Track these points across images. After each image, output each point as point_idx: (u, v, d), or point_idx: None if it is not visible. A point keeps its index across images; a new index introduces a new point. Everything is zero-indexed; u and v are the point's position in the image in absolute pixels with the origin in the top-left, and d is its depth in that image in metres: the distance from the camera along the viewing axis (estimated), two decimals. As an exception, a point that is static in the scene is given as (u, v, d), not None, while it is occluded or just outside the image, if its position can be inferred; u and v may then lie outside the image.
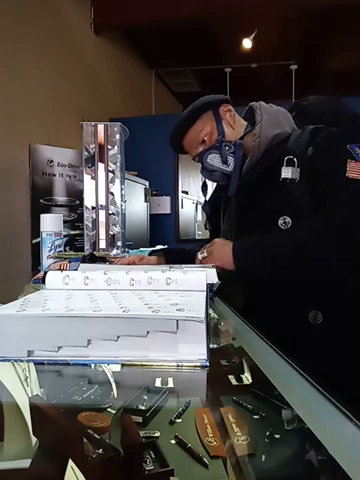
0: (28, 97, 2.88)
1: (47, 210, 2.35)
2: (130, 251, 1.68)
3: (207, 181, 1.23)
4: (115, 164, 1.56)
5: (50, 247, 1.32)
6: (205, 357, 0.43)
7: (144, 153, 4.01)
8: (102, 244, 1.56)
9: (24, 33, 2.85)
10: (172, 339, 0.42)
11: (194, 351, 0.42)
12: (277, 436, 0.46)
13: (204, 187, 1.25)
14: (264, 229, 0.99)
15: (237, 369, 0.60)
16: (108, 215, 1.56)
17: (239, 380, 0.58)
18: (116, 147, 1.56)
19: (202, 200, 1.31)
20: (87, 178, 1.56)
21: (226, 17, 4.04)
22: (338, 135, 0.99)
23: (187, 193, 4.58)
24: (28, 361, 0.42)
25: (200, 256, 1.02)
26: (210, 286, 0.71)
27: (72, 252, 1.88)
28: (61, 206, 2.46)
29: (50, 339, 0.42)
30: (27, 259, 2.26)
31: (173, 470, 0.39)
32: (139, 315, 0.42)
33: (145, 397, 0.55)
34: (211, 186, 1.29)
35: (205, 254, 1.01)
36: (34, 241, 2.18)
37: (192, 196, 4.68)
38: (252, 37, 4.48)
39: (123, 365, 0.44)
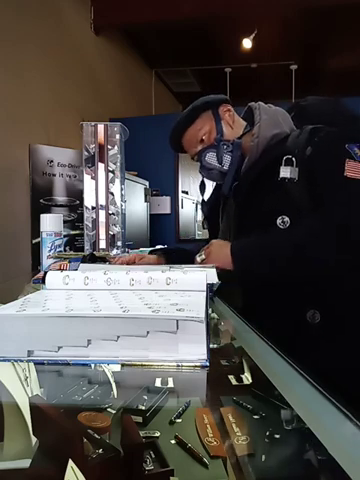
0: (28, 97, 2.88)
1: (47, 210, 2.35)
2: (130, 251, 1.68)
3: (205, 180, 1.23)
4: (115, 164, 1.56)
5: (50, 247, 1.32)
6: (205, 357, 0.43)
7: (144, 153, 4.02)
8: (102, 244, 1.56)
9: (24, 33, 2.85)
10: (172, 339, 0.42)
11: (194, 351, 0.42)
12: (277, 436, 0.46)
13: (202, 186, 1.26)
14: (262, 228, 0.99)
15: (237, 369, 0.60)
16: (108, 215, 1.56)
17: (239, 380, 0.58)
18: (116, 147, 1.56)
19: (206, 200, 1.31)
20: (87, 178, 1.56)
21: (226, 17, 4.04)
22: (337, 135, 0.99)
23: (187, 193, 4.58)
24: (28, 361, 0.42)
25: (199, 259, 1.02)
26: (210, 286, 0.71)
27: (72, 252, 1.88)
28: (61, 206, 2.46)
29: (50, 339, 0.42)
30: (27, 259, 2.26)
31: (173, 470, 0.39)
32: (139, 315, 0.42)
33: (145, 397, 0.55)
34: (210, 186, 1.29)
35: (203, 256, 1.02)
36: (34, 241, 2.18)
37: (192, 196, 4.68)
38: (252, 37, 4.48)
39: (123, 365, 0.44)
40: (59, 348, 0.42)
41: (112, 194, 1.57)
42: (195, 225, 4.85)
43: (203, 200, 1.29)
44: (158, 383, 0.56)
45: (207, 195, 1.30)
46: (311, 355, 0.75)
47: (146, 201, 3.91)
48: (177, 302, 0.49)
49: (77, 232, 2.41)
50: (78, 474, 0.28)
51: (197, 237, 4.68)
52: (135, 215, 3.55)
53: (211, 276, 0.77)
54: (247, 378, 0.58)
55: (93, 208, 1.56)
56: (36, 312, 0.44)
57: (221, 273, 0.83)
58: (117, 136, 1.56)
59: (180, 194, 4.38)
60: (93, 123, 1.56)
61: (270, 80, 5.34)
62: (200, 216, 4.79)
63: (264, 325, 0.66)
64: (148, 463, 0.40)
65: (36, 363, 0.43)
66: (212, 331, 0.72)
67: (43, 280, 0.66)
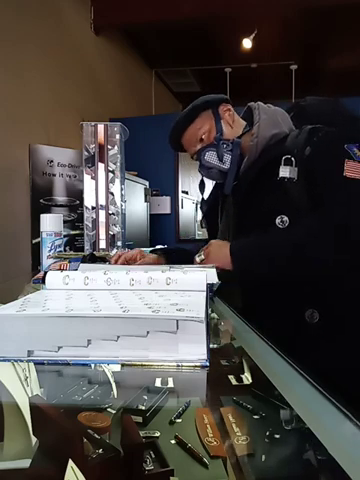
0: (28, 97, 2.88)
1: (47, 210, 2.35)
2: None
3: (205, 179, 1.23)
4: (115, 164, 1.56)
5: (50, 247, 1.32)
6: (205, 357, 0.43)
7: (144, 153, 4.02)
8: (102, 244, 1.56)
9: (24, 33, 2.85)
10: (172, 339, 0.42)
11: (194, 351, 0.42)
12: (277, 436, 0.46)
13: (201, 185, 1.26)
14: (262, 228, 0.99)
15: (237, 369, 0.60)
16: (108, 215, 1.56)
17: (239, 380, 0.58)
18: (116, 147, 1.56)
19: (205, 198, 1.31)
20: (87, 178, 1.56)
21: (226, 17, 4.04)
22: (336, 135, 0.99)
23: (187, 193, 4.58)
24: (28, 361, 0.42)
25: (198, 259, 1.02)
26: (210, 286, 0.71)
27: (72, 252, 1.88)
28: (61, 206, 2.46)
29: (50, 339, 0.42)
30: (27, 259, 2.26)
31: (173, 470, 0.39)
32: (139, 315, 0.42)
33: (145, 397, 0.55)
34: (210, 185, 1.30)
35: (202, 256, 1.02)
36: (34, 241, 2.19)
37: (192, 196, 4.68)
38: (252, 37, 4.48)
39: (123, 365, 0.44)
40: (59, 348, 0.42)
41: (112, 194, 1.57)
42: (195, 225, 4.85)
43: (202, 199, 1.29)
44: (158, 383, 0.56)
45: (206, 194, 1.30)
46: (310, 355, 0.75)
47: (146, 201, 3.91)
48: (177, 302, 0.49)
49: (77, 232, 2.41)
50: (78, 474, 0.28)
51: (197, 237, 4.69)
52: (135, 215, 3.55)
53: (211, 276, 0.77)
54: (247, 378, 0.58)
55: (93, 208, 1.56)
56: (36, 312, 0.44)
57: (221, 273, 0.83)
58: (117, 136, 1.56)
59: (180, 194, 4.38)
60: (93, 123, 1.56)
61: (270, 80, 5.34)
62: (200, 216, 4.78)
63: (264, 325, 0.66)
64: (148, 463, 0.40)
65: (36, 363, 0.43)
66: (212, 331, 0.72)
67: (43, 280, 0.66)
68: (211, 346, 0.45)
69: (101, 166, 1.55)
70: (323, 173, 0.96)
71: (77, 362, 0.43)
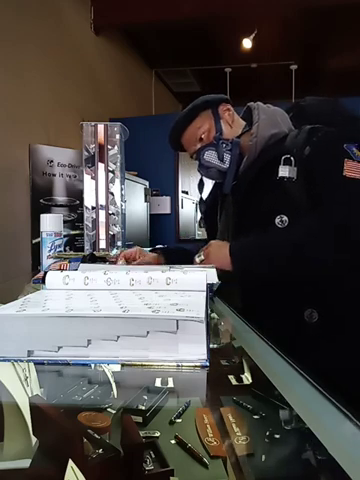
0: (28, 97, 2.88)
1: (47, 210, 2.35)
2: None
3: (204, 179, 1.24)
4: (115, 164, 1.56)
5: (50, 247, 1.32)
6: (205, 357, 0.43)
7: (144, 153, 4.01)
8: (102, 244, 1.56)
9: (24, 33, 2.85)
10: (172, 339, 0.42)
11: (194, 351, 0.42)
12: (277, 436, 0.46)
13: (201, 185, 1.26)
14: (261, 228, 0.99)
15: (237, 369, 0.60)
16: (108, 215, 1.56)
17: (239, 380, 0.58)
18: (116, 147, 1.56)
19: (204, 198, 1.31)
20: (87, 178, 1.56)
21: (226, 17, 4.04)
22: (335, 135, 0.99)
23: (187, 193, 4.58)
24: (28, 361, 0.42)
25: (197, 259, 1.02)
26: (210, 286, 0.71)
27: (72, 252, 1.88)
28: (61, 206, 2.46)
29: (50, 339, 0.42)
30: (27, 259, 2.26)
31: (173, 470, 0.39)
32: (139, 315, 0.42)
33: (145, 397, 0.55)
34: (209, 184, 1.30)
35: (202, 257, 1.02)
36: (34, 241, 2.18)
37: (192, 196, 4.68)
38: (252, 37, 4.48)
39: (123, 365, 0.44)
40: (59, 348, 0.42)
41: (112, 194, 1.57)
42: (195, 225, 4.85)
43: (201, 198, 1.29)
44: (158, 383, 0.56)
45: (206, 194, 1.30)
46: (310, 355, 0.75)
47: (146, 201, 3.91)
48: (177, 302, 0.49)
49: (77, 232, 2.41)
50: (78, 474, 0.28)
51: (197, 237, 4.69)
52: (135, 215, 3.55)
53: (211, 276, 0.77)
54: (247, 378, 0.58)
55: (93, 208, 1.56)
56: (36, 312, 0.44)
57: (221, 273, 0.83)
58: (117, 136, 1.56)
59: (180, 194, 4.38)
60: (93, 123, 1.56)
61: (270, 80, 5.34)
62: (200, 216, 4.78)
63: (263, 325, 0.66)
64: (148, 463, 0.40)
65: (36, 363, 0.43)
66: (212, 331, 0.72)
67: (43, 280, 0.66)
68: (211, 346, 0.45)
69: (101, 166, 1.55)
70: (322, 173, 0.97)
71: (77, 362, 0.43)
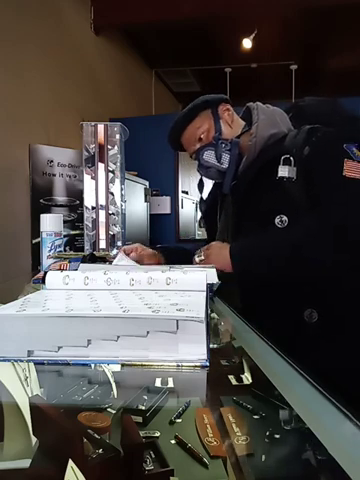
0: (28, 97, 2.88)
1: (47, 210, 2.35)
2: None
3: (204, 179, 1.24)
4: (115, 164, 1.56)
5: (50, 247, 1.32)
6: (205, 357, 0.43)
7: (144, 153, 4.01)
8: (102, 244, 1.56)
9: (24, 33, 2.85)
10: (172, 339, 0.42)
11: (194, 351, 0.42)
12: (277, 436, 0.46)
13: (200, 185, 1.26)
14: (261, 228, 0.99)
15: (237, 369, 0.60)
16: (108, 215, 1.56)
17: (239, 380, 0.58)
18: (116, 147, 1.56)
19: (204, 198, 1.31)
20: (87, 178, 1.56)
21: (226, 17, 4.03)
22: (334, 135, 0.99)
23: (187, 193, 4.58)
24: (28, 361, 0.42)
25: (197, 259, 1.02)
26: (210, 286, 0.71)
27: (72, 252, 1.88)
28: (61, 206, 2.46)
29: (50, 339, 0.42)
30: (27, 259, 2.26)
31: (173, 470, 0.39)
32: (139, 315, 0.42)
33: (145, 397, 0.55)
34: (209, 184, 1.30)
35: (202, 257, 1.02)
36: (34, 241, 2.18)
37: (192, 196, 4.68)
38: (252, 37, 4.48)
39: (123, 365, 0.44)
40: (59, 348, 0.42)
41: (112, 194, 1.57)
42: (195, 225, 4.85)
43: (201, 198, 1.29)
44: (158, 383, 0.56)
45: (205, 194, 1.30)
46: (310, 355, 0.76)
47: (146, 201, 3.91)
48: (177, 302, 0.49)
49: (77, 232, 2.41)
50: (78, 474, 0.28)
51: (197, 237, 4.68)
52: (135, 215, 3.55)
53: (211, 276, 0.77)
54: (247, 378, 0.58)
55: (93, 208, 1.56)
56: (36, 312, 0.44)
57: (221, 274, 0.83)
58: (117, 136, 1.56)
59: (180, 194, 4.38)
60: (93, 123, 1.56)
61: (270, 80, 5.34)
62: (200, 216, 4.77)
63: (263, 325, 0.66)
64: (148, 463, 0.40)
65: (36, 363, 0.43)
66: (212, 331, 0.72)
67: (43, 280, 0.66)
68: (211, 346, 0.45)
69: (101, 166, 1.55)
70: (322, 173, 0.97)
71: (77, 362, 0.43)
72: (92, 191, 1.56)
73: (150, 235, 3.93)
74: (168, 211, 4.32)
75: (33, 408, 0.35)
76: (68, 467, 0.28)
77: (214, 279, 0.78)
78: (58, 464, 0.29)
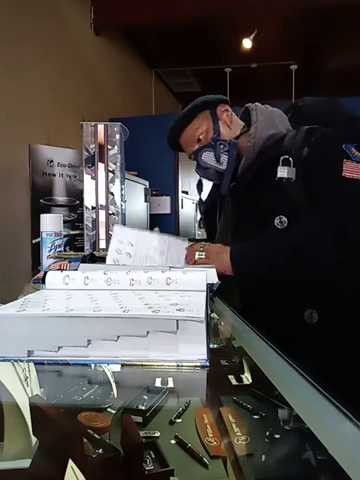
0: (28, 97, 2.87)
1: (47, 210, 2.35)
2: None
3: (203, 180, 1.24)
4: (115, 164, 1.56)
5: (50, 247, 1.32)
6: (205, 357, 0.43)
7: (144, 153, 4.01)
8: (102, 244, 1.56)
9: (24, 33, 2.85)
10: (172, 339, 0.42)
11: (194, 351, 0.42)
12: (277, 436, 0.46)
13: (199, 186, 1.26)
14: (260, 228, 0.99)
15: (237, 369, 0.60)
16: (108, 215, 1.56)
17: (239, 380, 0.58)
18: (116, 147, 1.56)
19: (203, 199, 1.31)
20: (87, 178, 1.56)
21: (226, 17, 4.03)
22: (333, 135, 0.99)
23: (187, 193, 4.58)
24: (28, 361, 0.42)
25: (197, 256, 1.01)
26: (210, 286, 0.71)
27: (72, 252, 1.88)
28: (61, 206, 2.46)
29: (50, 339, 0.42)
30: (27, 259, 2.26)
31: (173, 470, 0.39)
32: (139, 315, 0.42)
33: (145, 397, 0.55)
34: (208, 185, 1.29)
35: (203, 256, 1.01)
36: (34, 241, 2.18)
37: (192, 196, 4.68)
38: (252, 37, 4.48)
39: (123, 365, 0.44)
40: (59, 348, 0.42)
41: (112, 194, 1.57)
42: (195, 225, 4.85)
43: (200, 199, 1.29)
44: (158, 383, 0.56)
45: (205, 195, 1.30)
46: (310, 355, 0.76)
47: (146, 201, 3.91)
48: (177, 302, 0.49)
49: (77, 232, 2.40)
50: (78, 474, 0.28)
51: (197, 237, 4.68)
52: (135, 215, 3.55)
53: (211, 276, 0.77)
54: (247, 378, 0.58)
55: (93, 208, 1.56)
56: (36, 312, 0.44)
57: (220, 275, 0.83)
58: (117, 136, 1.56)
59: (180, 194, 4.38)
60: (93, 123, 1.56)
61: (270, 80, 5.34)
62: (199, 216, 4.77)
63: (263, 325, 0.66)
64: (148, 463, 0.40)
65: (36, 363, 0.43)
66: (212, 331, 0.72)
67: (43, 280, 0.66)
68: (211, 346, 0.45)
69: (101, 166, 1.55)
70: (321, 173, 0.96)
71: (77, 362, 0.43)
72: (92, 191, 1.56)
73: (150, 235, 3.92)
74: (168, 211, 4.32)
75: (33, 408, 0.35)
76: (68, 467, 0.28)
77: (214, 279, 0.78)
78: (58, 464, 0.29)
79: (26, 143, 2.43)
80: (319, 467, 0.38)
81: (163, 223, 4.28)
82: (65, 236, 1.89)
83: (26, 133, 2.76)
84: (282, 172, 0.99)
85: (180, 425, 0.51)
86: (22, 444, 0.38)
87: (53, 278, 0.65)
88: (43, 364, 0.43)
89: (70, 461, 0.29)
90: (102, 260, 1.25)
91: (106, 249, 1.55)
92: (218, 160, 1.12)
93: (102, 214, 1.56)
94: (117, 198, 1.57)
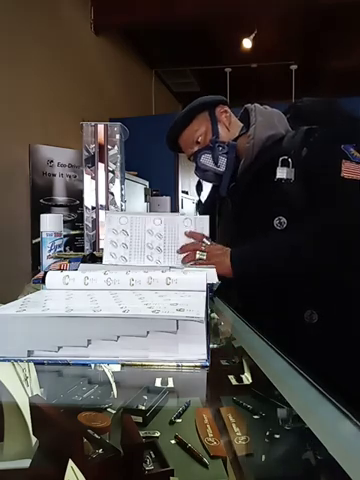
0: (28, 97, 2.88)
1: (47, 210, 2.35)
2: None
3: (202, 181, 1.24)
4: (115, 164, 1.56)
5: (50, 247, 1.32)
6: (205, 357, 0.43)
7: (144, 153, 4.01)
8: (102, 244, 1.56)
9: (24, 33, 2.85)
10: (172, 339, 0.42)
11: (194, 351, 0.42)
12: (277, 436, 0.46)
13: (199, 187, 1.26)
14: (260, 229, 0.99)
15: (237, 369, 0.60)
16: (108, 215, 1.56)
17: (239, 380, 0.58)
18: (116, 147, 1.56)
19: (203, 200, 1.31)
20: (87, 178, 1.56)
21: (226, 17, 4.04)
22: (332, 136, 0.99)
23: (187, 193, 4.58)
24: (28, 361, 0.42)
25: (198, 255, 1.01)
26: (210, 286, 0.71)
27: (72, 252, 1.88)
28: (61, 206, 2.46)
29: (50, 339, 0.42)
30: (27, 259, 2.26)
31: (173, 470, 0.39)
32: (139, 315, 0.42)
33: (145, 397, 0.55)
34: (208, 186, 1.29)
35: (203, 256, 1.01)
36: (34, 241, 2.19)
37: (192, 196, 4.68)
38: (252, 37, 4.48)
39: (123, 365, 0.44)
40: (59, 348, 0.42)
41: (112, 194, 1.57)
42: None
43: (199, 201, 1.29)
44: (158, 383, 0.56)
45: (203, 196, 1.30)
46: (310, 355, 0.75)
47: (146, 201, 3.91)
48: (177, 302, 0.49)
49: (77, 232, 2.41)
50: (78, 474, 0.28)
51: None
52: (135, 215, 3.54)
53: (211, 276, 0.77)
54: (247, 378, 0.58)
55: (93, 208, 1.56)
56: (36, 312, 0.44)
57: (220, 275, 0.83)
58: (117, 136, 1.56)
59: (180, 194, 4.38)
60: (93, 123, 1.56)
61: (270, 80, 5.34)
62: (200, 216, 4.77)
63: (263, 325, 0.66)
64: (148, 463, 0.40)
65: (36, 363, 0.43)
66: (212, 331, 0.72)
67: (43, 280, 0.66)
68: (211, 346, 0.45)
69: (101, 166, 1.55)
70: (320, 174, 0.96)
71: (77, 362, 0.43)
72: (92, 191, 1.56)
73: (150, 235, 3.92)
74: (168, 211, 4.32)
75: (33, 408, 0.35)
76: (68, 467, 0.28)
77: (214, 279, 0.78)
78: (58, 464, 0.29)
79: (26, 143, 2.43)
80: (319, 467, 0.38)
81: (163, 223, 4.28)
82: (65, 236, 1.89)
83: (26, 133, 2.76)
84: (281, 173, 0.99)
85: (180, 425, 0.51)
86: (22, 444, 0.38)
87: (53, 278, 0.65)
88: (43, 364, 0.43)
89: (70, 461, 0.29)
90: (102, 260, 1.25)
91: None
92: (216, 162, 1.12)
93: (102, 214, 1.56)
94: (117, 198, 1.57)
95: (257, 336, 0.63)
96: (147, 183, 3.95)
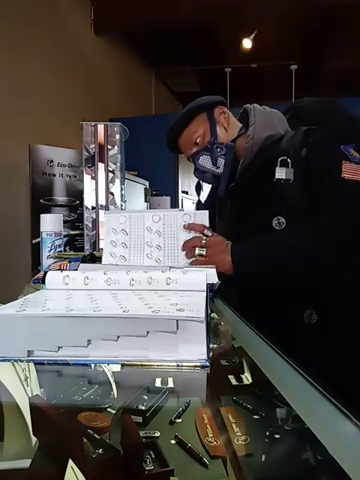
0: (28, 97, 2.88)
1: (47, 210, 2.35)
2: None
3: (201, 182, 1.24)
4: (115, 164, 1.56)
5: (50, 247, 1.32)
6: (205, 357, 0.43)
7: (144, 153, 4.01)
8: (102, 244, 1.56)
9: (24, 33, 2.85)
10: (172, 339, 0.42)
11: (194, 351, 0.42)
12: (277, 436, 0.46)
13: (198, 187, 1.26)
14: (258, 230, 0.99)
15: (237, 369, 0.60)
16: (108, 215, 1.56)
17: (239, 380, 0.58)
18: (116, 147, 1.56)
19: (202, 200, 1.31)
20: (87, 178, 1.56)
21: (226, 17, 4.04)
22: (332, 136, 0.99)
23: (187, 193, 4.58)
24: (28, 361, 0.42)
25: (197, 251, 1.00)
26: (210, 286, 0.71)
27: (72, 252, 1.88)
28: (61, 206, 2.46)
29: (50, 339, 0.42)
30: (27, 259, 2.26)
31: (173, 470, 0.39)
32: (139, 315, 0.42)
33: (145, 397, 0.55)
34: (207, 186, 1.29)
35: (203, 252, 1.00)
36: (34, 241, 2.19)
37: (192, 196, 4.68)
38: (252, 37, 4.48)
39: (123, 365, 0.44)
40: (59, 348, 0.42)
41: (112, 194, 1.57)
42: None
43: (199, 201, 1.29)
44: (158, 383, 0.56)
45: (203, 196, 1.30)
46: (310, 355, 0.75)
47: (146, 201, 3.91)
48: (177, 302, 0.49)
49: (77, 232, 2.41)
50: (78, 474, 0.28)
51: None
52: (135, 215, 3.54)
53: (211, 276, 0.77)
54: (247, 378, 0.58)
55: (93, 208, 1.56)
56: (36, 312, 0.44)
57: (220, 274, 0.83)
58: (117, 136, 1.56)
59: (180, 194, 4.38)
60: (93, 123, 1.56)
61: (270, 80, 5.34)
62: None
63: (263, 325, 0.66)
64: (148, 463, 0.40)
65: (36, 363, 0.43)
66: (212, 331, 0.72)
67: (43, 280, 0.66)
68: (211, 346, 0.45)
69: (101, 166, 1.55)
70: (319, 174, 0.96)
71: (77, 362, 0.43)
72: (92, 191, 1.56)
73: (150, 235, 3.92)
74: (168, 211, 4.32)
75: (33, 408, 0.35)
76: (68, 467, 0.28)
77: (214, 279, 0.78)
78: (58, 464, 0.29)
79: (26, 143, 2.43)
80: (319, 467, 0.38)
81: (163, 223, 4.28)
82: (65, 236, 1.89)
83: (26, 133, 2.76)
84: (280, 173, 0.99)
85: (180, 425, 0.51)
86: (22, 444, 0.38)
87: (53, 278, 0.65)
88: (43, 364, 0.43)
89: (70, 461, 0.29)
90: (102, 260, 1.25)
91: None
92: (215, 164, 1.12)
93: (102, 214, 1.56)
94: (117, 198, 1.57)
95: (257, 336, 0.63)
96: (147, 183, 3.95)
